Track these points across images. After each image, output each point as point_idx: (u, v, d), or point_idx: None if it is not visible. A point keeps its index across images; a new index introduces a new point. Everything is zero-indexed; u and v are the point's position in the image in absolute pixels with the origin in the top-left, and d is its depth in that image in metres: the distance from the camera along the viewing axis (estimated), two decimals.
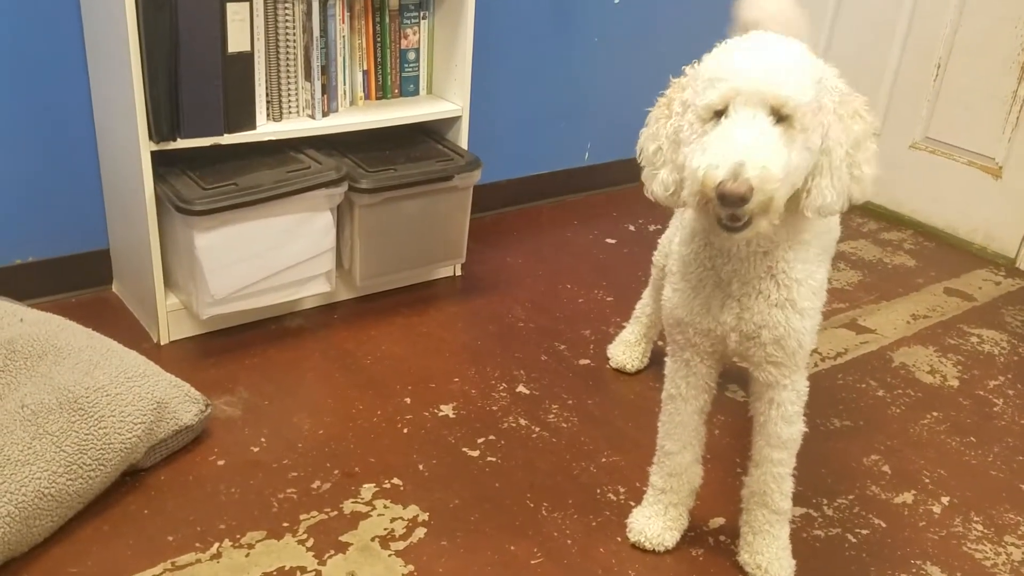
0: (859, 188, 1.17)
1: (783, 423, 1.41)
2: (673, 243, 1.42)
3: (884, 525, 1.67)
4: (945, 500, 1.75)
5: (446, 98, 2.31)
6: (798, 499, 1.70)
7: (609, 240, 2.72)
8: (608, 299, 2.38)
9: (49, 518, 1.44)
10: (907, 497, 1.75)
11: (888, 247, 2.85)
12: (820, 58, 1.17)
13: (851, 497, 1.73)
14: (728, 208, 1.07)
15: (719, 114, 1.09)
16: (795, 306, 1.30)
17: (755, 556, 1.50)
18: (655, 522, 1.55)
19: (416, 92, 2.32)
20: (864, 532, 1.65)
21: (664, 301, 1.43)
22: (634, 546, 1.55)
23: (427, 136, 2.30)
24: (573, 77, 2.85)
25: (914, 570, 1.57)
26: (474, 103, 2.32)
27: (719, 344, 1.38)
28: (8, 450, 1.43)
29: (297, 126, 2.04)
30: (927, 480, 1.80)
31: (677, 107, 1.17)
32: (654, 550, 1.54)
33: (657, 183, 1.21)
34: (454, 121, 2.29)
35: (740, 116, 1.06)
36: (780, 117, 1.07)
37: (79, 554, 1.44)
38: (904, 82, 2.97)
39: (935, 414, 2.01)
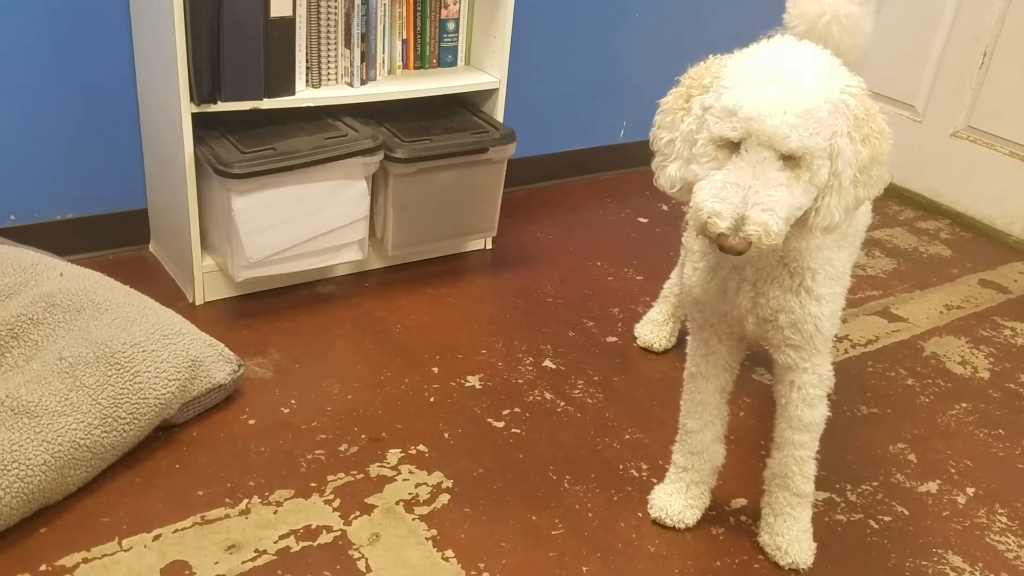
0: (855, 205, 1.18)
1: (804, 406, 1.40)
2: None
3: (907, 513, 1.66)
4: (970, 491, 1.74)
5: (484, 70, 2.30)
6: (821, 484, 1.70)
7: (641, 219, 2.71)
8: (638, 278, 2.38)
9: (83, 468, 1.47)
10: (932, 486, 1.74)
11: (924, 236, 2.82)
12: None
13: (875, 484, 1.73)
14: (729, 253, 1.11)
15: (734, 144, 1.10)
16: (811, 292, 1.30)
17: (775, 537, 1.51)
18: (676, 499, 1.56)
19: (454, 63, 2.31)
20: (887, 519, 1.64)
21: (684, 279, 1.43)
22: (655, 522, 1.56)
23: (463, 108, 2.30)
24: (612, 53, 2.83)
25: (935, 559, 1.56)
26: (512, 76, 2.31)
27: (737, 326, 1.38)
28: (46, 400, 1.46)
29: (335, 93, 2.05)
30: (953, 470, 1.79)
31: (696, 108, 1.15)
32: (674, 527, 1.55)
33: (665, 177, 1.20)
34: (491, 93, 2.29)
35: (751, 158, 1.07)
36: (790, 158, 1.09)
37: (111, 504, 1.48)
38: (948, 70, 2.92)
39: (964, 405, 2.00)
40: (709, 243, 1.12)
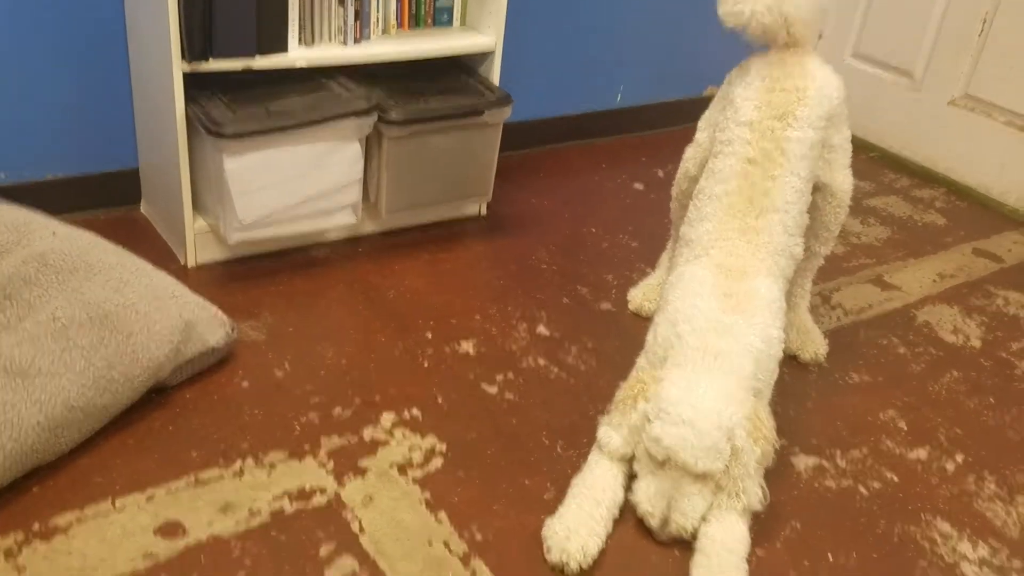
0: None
1: (727, 540, 1.48)
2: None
3: (896, 479, 1.68)
4: (960, 458, 1.75)
5: (479, 31, 2.27)
6: (812, 450, 1.72)
7: (637, 185, 2.70)
8: (632, 244, 2.37)
9: (76, 429, 1.47)
10: (921, 453, 1.76)
11: (919, 204, 2.81)
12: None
13: (865, 450, 1.74)
14: None
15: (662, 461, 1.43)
16: None
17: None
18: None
19: (449, 22, 2.28)
20: (876, 485, 1.66)
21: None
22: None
23: (459, 70, 2.28)
24: (609, 17, 2.80)
25: (924, 525, 1.58)
26: (507, 38, 2.28)
27: None
28: (39, 361, 1.46)
29: (328, 52, 2.02)
30: (943, 438, 1.81)
31: (640, 411, 1.47)
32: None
33: (607, 446, 1.52)
34: (487, 55, 2.26)
35: (671, 475, 1.43)
36: (699, 475, 1.42)
37: (104, 465, 1.48)
38: (947, 36, 2.89)
39: (955, 373, 2.01)
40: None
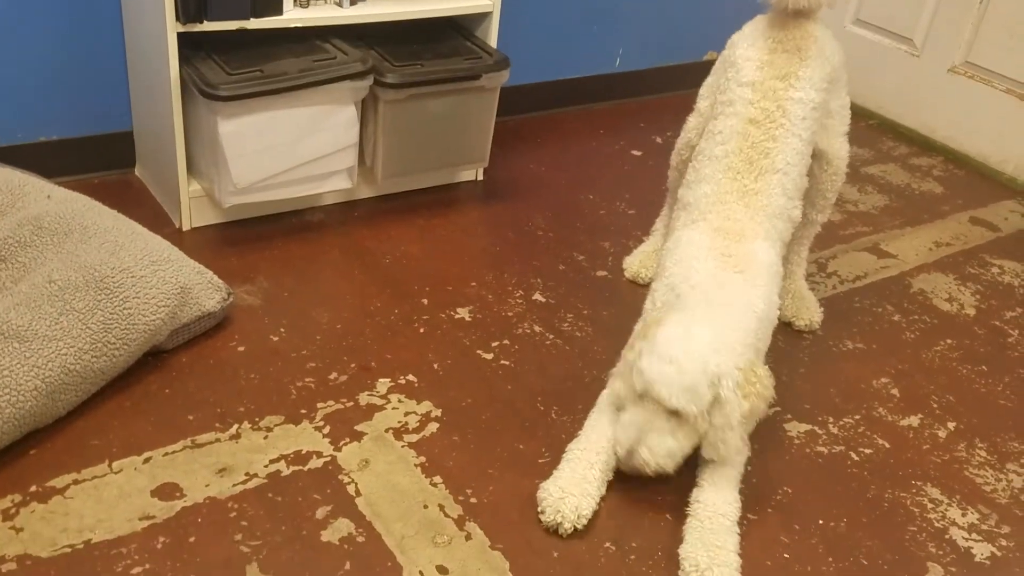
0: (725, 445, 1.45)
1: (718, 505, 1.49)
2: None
3: (888, 446, 1.69)
4: (951, 425, 1.77)
5: None
6: (804, 416, 1.73)
7: (635, 151, 2.68)
8: (630, 212, 2.37)
9: (73, 393, 1.48)
10: (913, 420, 1.77)
11: (917, 172, 2.81)
12: None
13: (857, 417, 1.76)
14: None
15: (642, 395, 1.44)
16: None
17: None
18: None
19: None
20: (867, 451, 1.68)
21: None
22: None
23: (456, 32, 2.25)
24: None
25: (914, 491, 1.60)
26: (506, 0, 2.25)
27: None
28: (36, 325, 1.46)
29: (324, 13, 2.00)
30: (935, 405, 1.82)
31: (636, 349, 1.46)
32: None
33: (612, 390, 1.55)
34: (484, 17, 2.24)
35: (646, 408, 1.43)
36: (675, 413, 1.41)
37: (101, 428, 1.49)
38: (948, 3, 2.86)
39: (949, 341, 2.02)
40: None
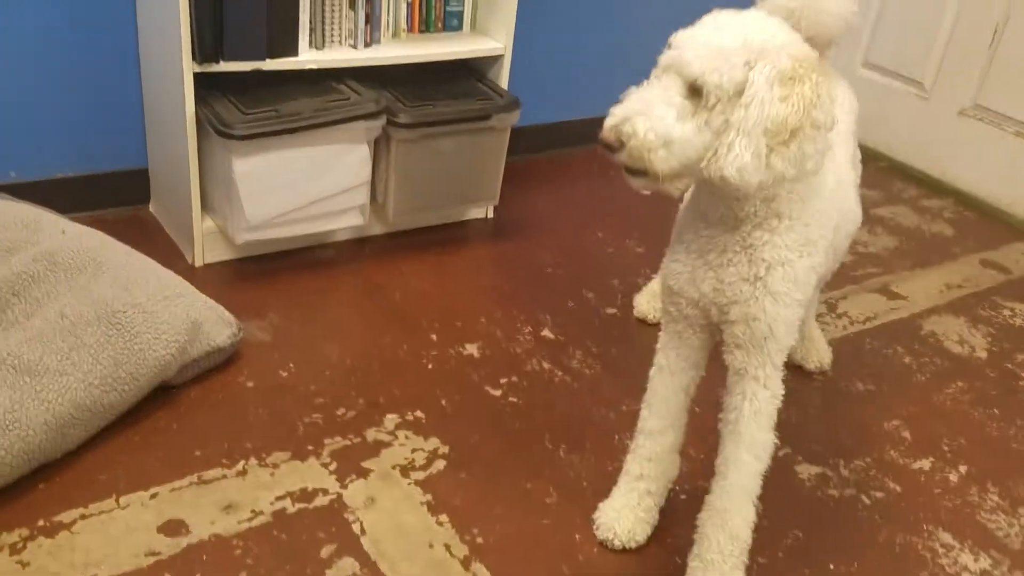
0: (770, 174, 1.14)
1: (755, 422, 1.32)
2: None
3: (899, 489, 1.68)
4: (963, 469, 1.75)
5: (489, 35, 2.28)
6: (815, 458, 1.72)
7: (644, 191, 2.69)
8: (639, 250, 2.38)
9: (82, 427, 1.48)
10: (925, 464, 1.75)
11: (927, 214, 2.81)
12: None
13: (868, 460, 1.74)
14: (609, 153, 1.18)
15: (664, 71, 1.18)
16: (767, 287, 1.25)
17: None
18: (626, 515, 1.47)
19: (459, 27, 2.29)
20: (878, 495, 1.66)
21: (661, 269, 1.39)
22: (603, 544, 1.46)
23: (468, 74, 2.29)
24: (619, 23, 2.80)
25: (925, 535, 1.58)
26: (517, 43, 2.29)
27: (705, 316, 1.33)
28: (47, 359, 1.47)
29: (339, 55, 2.03)
30: (946, 448, 1.80)
31: None
32: (624, 547, 1.46)
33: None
34: (496, 60, 2.27)
35: (661, 81, 1.17)
36: (695, 90, 1.14)
37: (109, 462, 1.49)
38: (958, 45, 2.89)
39: (960, 384, 2.01)
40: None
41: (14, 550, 1.31)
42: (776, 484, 1.62)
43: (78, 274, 1.62)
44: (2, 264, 1.61)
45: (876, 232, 2.64)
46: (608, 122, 1.17)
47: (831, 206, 1.33)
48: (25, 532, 1.34)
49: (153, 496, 1.44)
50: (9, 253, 1.64)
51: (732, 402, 1.35)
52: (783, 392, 1.34)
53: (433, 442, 1.63)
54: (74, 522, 1.37)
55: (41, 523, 1.36)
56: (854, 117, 1.72)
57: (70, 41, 2.00)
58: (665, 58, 1.17)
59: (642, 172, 1.17)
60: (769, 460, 1.36)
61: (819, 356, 1.98)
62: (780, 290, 1.25)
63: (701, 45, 1.13)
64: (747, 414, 1.33)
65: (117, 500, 1.42)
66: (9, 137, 2.01)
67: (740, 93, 1.12)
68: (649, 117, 1.14)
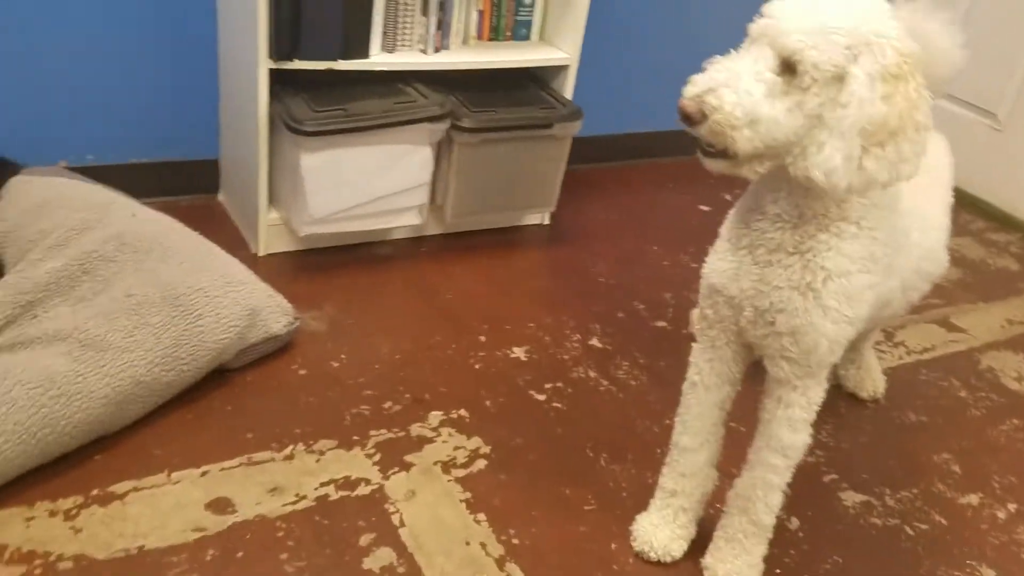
0: (861, 178, 1.07)
1: (787, 426, 1.30)
2: None
3: (945, 523, 1.64)
4: (1012, 507, 1.71)
5: (557, 46, 2.31)
6: (861, 486, 1.70)
7: (703, 207, 2.69)
8: (693, 265, 2.37)
9: (141, 403, 1.54)
10: (973, 499, 1.72)
11: (993, 248, 2.74)
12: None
13: (915, 491, 1.71)
14: (687, 126, 1.09)
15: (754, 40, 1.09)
16: (819, 299, 1.18)
17: (718, 563, 1.42)
18: (662, 530, 1.47)
19: (527, 37, 2.32)
20: (923, 527, 1.63)
21: (704, 267, 1.32)
22: (639, 555, 1.47)
23: (533, 82, 2.31)
24: (688, 36, 2.80)
25: (968, 570, 1.55)
26: (584, 53, 2.31)
27: (737, 319, 1.28)
28: (112, 336, 1.53)
29: (408, 59, 2.08)
30: (996, 485, 1.76)
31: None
32: (659, 560, 1.46)
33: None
34: (561, 69, 2.29)
35: (751, 52, 1.07)
36: (788, 66, 1.04)
37: (164, 438, 1.55)
38: None
39: (1015, 421, 1.96)
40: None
41: (68, 516, 1.37)
42: (820, 509, 1.61)
43: (146, 256, 1.68)
44: (75, 243, 1.68)
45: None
46: (689, 90, 1.07)
47: (907, 225, 1.28)
48: (79, 500, 1.40)
49: (203, 474, 1.48)
50: (82, 233, 1.71)
51: (767, 404, 1.33)
52: (822, 399, 1.31)
53: (475, 441, 1.65)
54: (127, 493, 1.43)
55: (95, 492, 1.42)
56: (951, 167, 1.65)
57: (153, 33, 2.08)
58: (757, 27, 1.06)
59: (720, 153, 1.09)
60: (800, 457, 1.34)
61: (873, 384, 1.95)
62: (831, 304, 1.19)
63: (801, 17, 1.02)
64: (779, 417, 1.31)
65: (169, 475, 1.47)
66: (89, 122, 2.10)
67: (838, 78, 1.03)
68: (736, 90, 1.04)
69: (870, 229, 1.18)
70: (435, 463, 1.59)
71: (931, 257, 1.47)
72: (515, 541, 1.46)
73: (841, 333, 1.22)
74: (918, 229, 1.38)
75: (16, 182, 1.81)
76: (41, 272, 1.62)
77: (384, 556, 1.39)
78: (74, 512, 1.38)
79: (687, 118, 1.08)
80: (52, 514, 1.36)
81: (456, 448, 1.63)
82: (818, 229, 1.17)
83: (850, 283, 1.19)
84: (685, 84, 1.09)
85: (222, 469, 1.50)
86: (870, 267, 1.20)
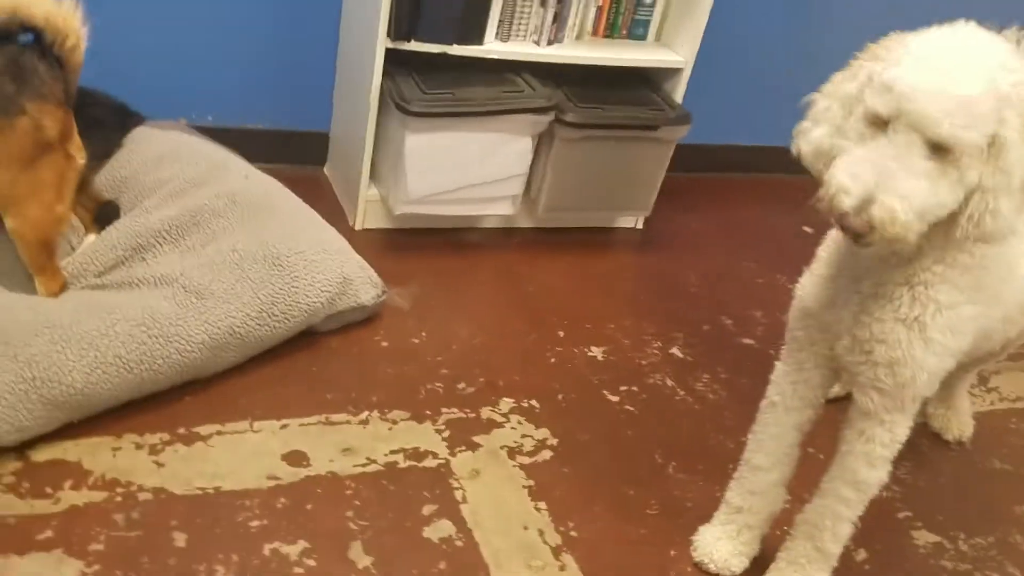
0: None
1: (865, 461, 1.27)
2: None
3: (1018, 575, 1.58)
4: None
5: (672, 48, 2.29)
6: (935, 527, 1.64)
7: (806, 228, 2.63)
8: (789, 286, 2.30)
9: (233, 353, 1.61)
10: None
11: None
12: None
13: (991, 539, 1.64)
14: (852, 241, 1.04)
15: (885, 123, 1.02)
16: (924, 331, 1.14)
17: None
18: (724, 544, 1.45)
19: (644, 36, 2.32)
20: None
21: (798, 288, 1.29)
22: (697, 565, 1.46)
23: (643, 83, 2.31)
24: (808, 54, 2.74)
25: None
26: (699, 58, 2.28)
27: (832, 348, 1.25)
28: (214, 286, 1.61)
29: (521, 49, 2.10)
30: None
31: (862, 75, 1.06)
32: (718, 574, 1.45)
33: (807, 141, 1.13)
34: (675, 73, 2.28)
35: (894, 141, 1.00)
36: (940, 147, 0.99)
37: (250, 389, 1.61)
38: None
39: None
40: (836, 229, 1.08)
41: (153, 450, 1.45)
42: (889, 544, 1.57)
43: (254, 215, 1.76)
44: (189, 195, 1.77)
45: None
46: (845, 201, 1.00)
47: (1015, 254, 1.23)
48: (166, 436, 1.48)
49: (283, 427, 1.55)
50: (196, 187, 1.80)
51: (847, 435, 1.29)
52: (906, 436, 1.27)
53: (543, 432, 1.67)
54: (210, 436, 1.50)
55: (181, 431, 1.49)
56: None
57: (281, 7, 2.17)
58: (889, 108, 1.00)
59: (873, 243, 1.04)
60: (875, 493, 1.31)
61: (960, 427, 1.89)
62: (936, 337, 1.15)
63: (940, 94, 0.97)
64: (858, 451, 1.28)
65: (251, 424, 1.54)
66: (213, 86, 2.20)
67: (992, 146, 0.99)
68: (899, 194, 0.98)
69: (982, 257, 1.14)
70: (502, 447, 1.61)
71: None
72: (573, 533, 1.47)
73: (942, 366, 1.19)
74: None
75: (139, 132, 1.92)
76: (155, 219, 1.72)
77: (444, 528, 1.42)
78: (159, 447, 1.45)
79: (855, 235, 1.02)
80: (138, 447, 1.44)
81: (524, 436, 1.65)
82: (934, 261, 1.13)
83: (958, 315, 1.16)
84: (833, 192, 1.02)
85: (301, 424, 1.56)
86: (977, 298, 1.17)
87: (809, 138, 1.13)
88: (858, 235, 1.01)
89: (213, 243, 1.70)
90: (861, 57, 1.10)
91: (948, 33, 1.02)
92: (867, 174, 1.00)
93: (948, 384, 1.80)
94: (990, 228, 1.02)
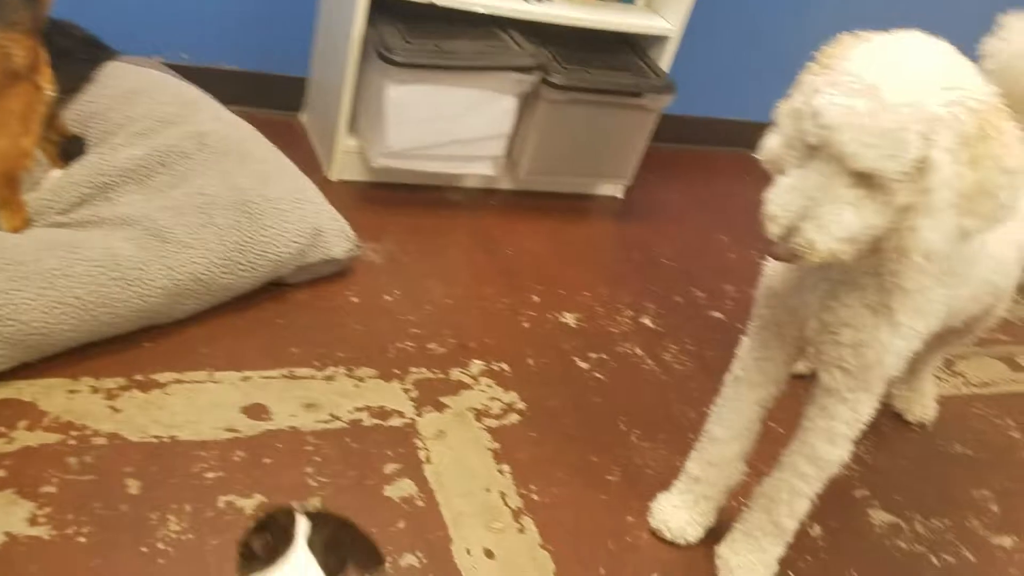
0: (961, 237, 1.04)
1: (826, 438, 1.27)
2: None
3: (973, 560, 1.60)
4: None
5: (662, 15, 2.26)
6: (892, 507, 1.66)
7: None
8: (761, 262, 2.31)
9: (195, 300, 1.57)
10: (1006, 541, 1.66)
11: None
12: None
13: (947, 522, 1.66)
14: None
15: (815, 148, 1.01)
16: (891, 316, 1.15)
17: (732, 555, 1.40)
18: (680, 513, 1.46)
19: (633, 0, 2.27)
20: (949, 559, 1.59)
21: (766, 268, 1.29)
22: (653, 533, 1.46)
23: (631, 48, 2.27)
24: (801, 31, 2.71)
25: None
26: (689, 27, 2.25)
27: (799, 328, 1.25)
28: (178, 230, 1.56)
29: (509, 4, 2.05)
30: None
31: (808, 87, 1.05)
32: (673, 542, 1.45)
33: (764, 148, 1.15)
34: (662, 40, 2.25)
35: (820, 170, 1.01)
36: (864, 176, 0.98)
37: (212, 338, 1.58)
38: None
39: None
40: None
41: (109, 395, 1.41)
42: (845, 522, 1.58)
43: (223, 158, 1.71)
44: (158, 135, 1.71)
45: (1018, 300, 2.49)
46: (772, 229, 1.03)
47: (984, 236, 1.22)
48: (123, 382, 1.44)
49: (245, 379, 1.52)
50: (164, 126, 1.74)
51: (810, 411, 1.29)
52: (870, 416, 1.27)
53: (512, 396, 1.66)
54: (168, 384, 1.46)
55: (139, 377, 1.46)
56: None
57: None
58: (814, 137, 0.99)
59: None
60: (834, 471, 1.31)
61: (923, 410, 1.90)
62: (903, 320, 1.16)
63: (862, 125, 0.95)
64: (820, 427, 1.28)
65: (211, 374, 1.51)
66: (188, 22, 2.13)
67: (920, 169, 0.97)
68: (821, 224, 1.00)
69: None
70: (469, 409, 1.60)
71: (1002, 271, 1.42)
72: (534, 497, 1.46)
73: (909, 347, 1.19)
74: (993, 241, 1.32)
75: (112, 67, 1.85)
76: (121, 157, 1.66)
77: (405, 487, 1.41)
78: (116, 392, 1.42)
79: (778, 259, 1.07)
80: (94, 391, 1.41)
81: (492, 399, 1.64)
82: (897, 262, 1.13)
83: (925, 298, 1.16)
84: (765, 214, 1.05)
85: (263, 377, 1.53)
86: (947, 281, 1.17)
87: (766, 147, 1.15)
88: (785, 261, 1.06)
89: (180, 186, 1.65)
90: (814, 63, 1.09)
91: (890, 47, 1.00)
92: (794, 204, 1.02)
93: (914, 366, 1.81)
94: (913, 247, 1.02)
